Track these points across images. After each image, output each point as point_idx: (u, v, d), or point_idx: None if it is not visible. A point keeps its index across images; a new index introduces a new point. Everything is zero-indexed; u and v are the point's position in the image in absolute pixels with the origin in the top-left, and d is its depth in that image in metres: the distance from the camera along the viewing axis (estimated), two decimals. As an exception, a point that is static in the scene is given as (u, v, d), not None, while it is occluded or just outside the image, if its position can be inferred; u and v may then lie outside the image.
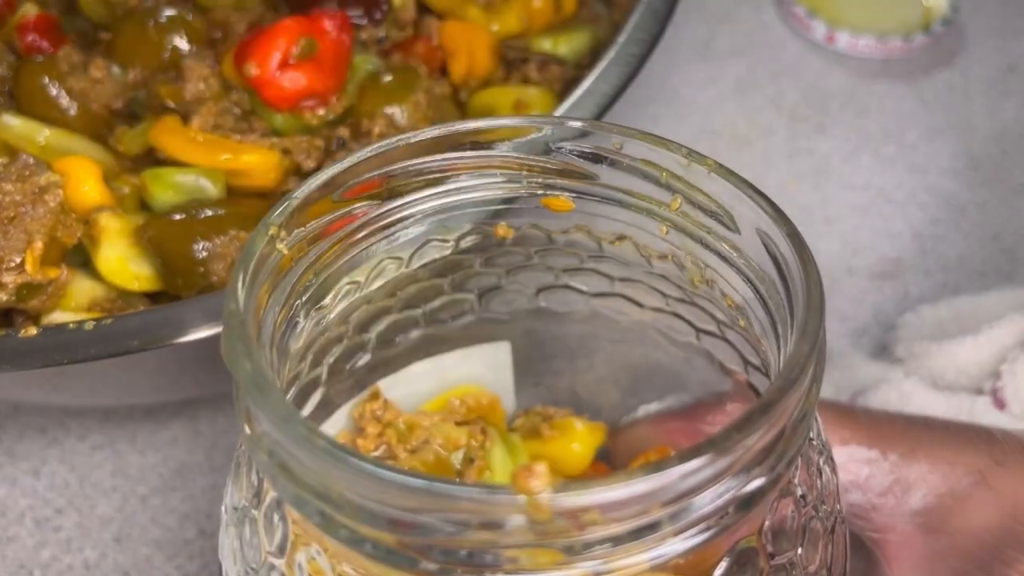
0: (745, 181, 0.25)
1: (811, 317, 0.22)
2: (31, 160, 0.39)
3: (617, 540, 0.20)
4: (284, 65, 0.41)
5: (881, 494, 0.30)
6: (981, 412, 0.38)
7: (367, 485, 0.20)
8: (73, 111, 0.42)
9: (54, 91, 0.42)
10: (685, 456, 0.20)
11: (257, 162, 0.41)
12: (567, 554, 0.20)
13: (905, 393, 0.40)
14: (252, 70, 0.41)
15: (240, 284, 0.23)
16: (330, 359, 0.29)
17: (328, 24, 0.42)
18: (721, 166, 0.25)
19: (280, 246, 0.24)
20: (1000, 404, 0.38)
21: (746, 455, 0.21)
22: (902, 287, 0.49)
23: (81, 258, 0.40)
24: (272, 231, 0.24)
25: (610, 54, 0.38)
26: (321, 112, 0.42)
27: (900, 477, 0.30)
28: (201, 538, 0.41)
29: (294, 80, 0.41)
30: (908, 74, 0.58)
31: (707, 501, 0.21)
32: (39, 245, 0.37)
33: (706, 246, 0.26)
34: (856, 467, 0.30)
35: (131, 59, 0.43)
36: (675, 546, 0.21)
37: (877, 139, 0.55)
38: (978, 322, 0.41)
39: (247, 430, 0.22)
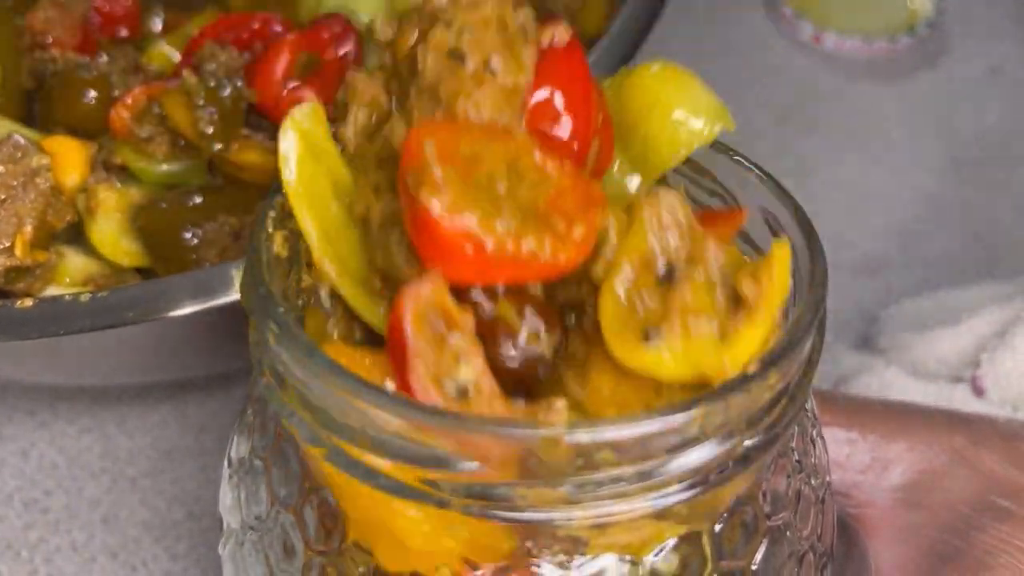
0: (749, 160, 0.26)
1: (815, 286, 0.23)
2: (21, 140, 0.38)
3: (623, 481, 0.21)
4: (286, 85, 0.38)
5: (861, 471, 0.31)
6: (960, 399, 0.39)
7: (387, 415, 0.20)
8: None
9: None
10: (691, 403, 0.21)
11: (252, 161, 0.39)
12: (574, 493, 0.20)
13: (886, 381, 0.40)
14: (253, 97, 0.39)
15: (261, 226, 0.23)
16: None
17: (327, 35, 0.39)
18: (724, 145, 0.26)
19: None
20: (979, 391, 0.39)
21: (747, 410, 0.22)
22: (884, 283, 0.50)
23: (72, 233, 0.40)
24: None
25: (603, 43, 0.39)
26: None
27: (879, 456, 0.31)
28: (190, 520, 0.41)
29: (297, 101, 0.39)
30: (893, 75, 0.59)
31: (708, 452, 0.21)
32: (29, 230, 0.37)
33: None
34: (837, 447, 0.31)
35: None
36: (677, 495, 0.21)
37: (862, 138, 0.56)
38: (958, 314, 0.42)
39: (266, 372, 0.22)
